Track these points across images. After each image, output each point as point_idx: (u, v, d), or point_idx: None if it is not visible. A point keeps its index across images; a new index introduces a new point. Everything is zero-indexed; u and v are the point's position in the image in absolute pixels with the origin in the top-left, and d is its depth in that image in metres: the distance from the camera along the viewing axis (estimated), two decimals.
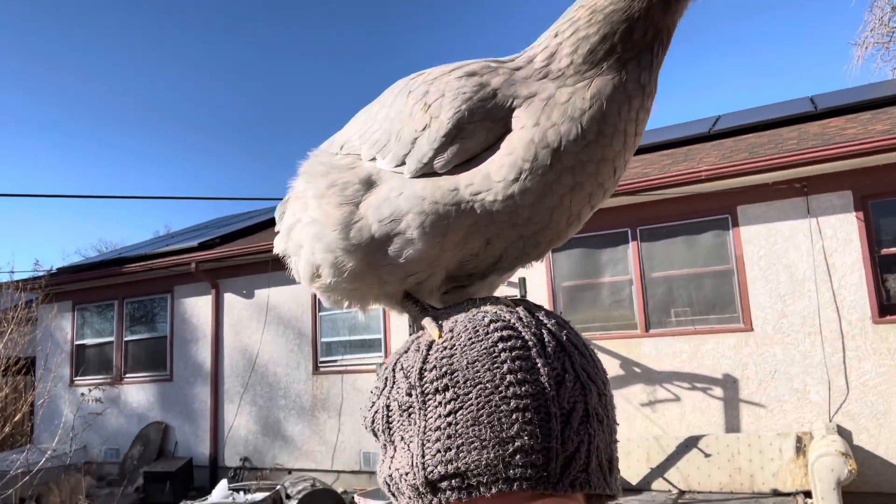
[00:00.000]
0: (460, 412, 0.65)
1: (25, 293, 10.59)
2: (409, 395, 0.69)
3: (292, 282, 0.95)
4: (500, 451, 0.62)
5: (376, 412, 0.73)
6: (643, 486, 6.63)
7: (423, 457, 0.65)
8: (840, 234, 6.53)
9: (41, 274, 11.04)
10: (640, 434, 7.03)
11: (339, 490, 7.55)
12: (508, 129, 0.75)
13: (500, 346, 0.67)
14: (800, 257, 6.68)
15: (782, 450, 6.16)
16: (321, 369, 9.00)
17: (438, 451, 0.65)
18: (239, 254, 9.17)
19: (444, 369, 0.67)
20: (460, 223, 0.77)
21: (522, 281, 7.17)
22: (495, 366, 0.65)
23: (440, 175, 0.77)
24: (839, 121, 7.76)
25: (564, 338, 0.69)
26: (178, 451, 9.72)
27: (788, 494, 5.96)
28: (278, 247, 0.96)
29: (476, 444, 0.63)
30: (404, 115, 0.81)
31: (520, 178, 0.75)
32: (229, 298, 9.78)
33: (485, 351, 0.67)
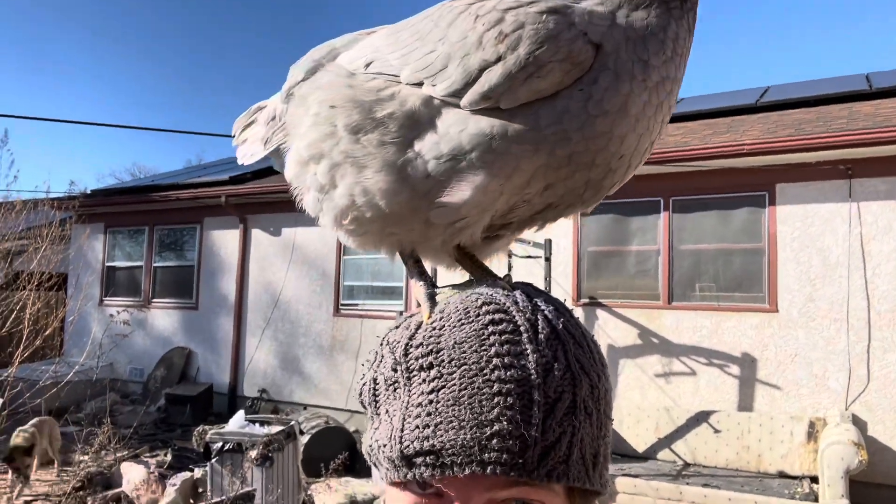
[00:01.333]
0: (442, 391, 0.64)
1: (60, 212, 10.83)
2: (395, 370, 0.68)
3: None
4: (478, 434, 0.61)
5: (364, 384, 0.73)
6: (649, 455, 6.70)
7: (401, 431, 0.65)
8: (881, 221, 6.34)
9: (76, 194, 11.27)
10: (651, 404, 7.07)
11: (352, 429, 7.77)
12: (587, 72, 0.73)
13: (490, 328, 0.65)
14: (835, 241, 6.51)
15: (794, 433, 6.15)
16: (342, 311, 9.14)
17: (417, 427, 0.64)
18: (269, 191, 9.23)
19: (430, 347, 0.66)
20: (530, 164, 0.73)
21: (548, 243, 7.13)
22: (482, 348, 0.64)
23: (504, 111, 0.72)
24: (894, 102, 7.43)
25: (560, 325, 0.68)
26: (199, 376, 10.05)
27: (795, 478, 5.98)
28: (289, 174, 0.87)
29: (454, 423, 0.62)
30: (470, 40, 0.75)
31: (622, 103, 0.73)
32: (256, 234, 9.91)
33: (473, 333, 0.65)
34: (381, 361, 0.72)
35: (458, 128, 0.73)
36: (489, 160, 0.72)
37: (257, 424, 5.14)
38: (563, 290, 7.72)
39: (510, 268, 7.46)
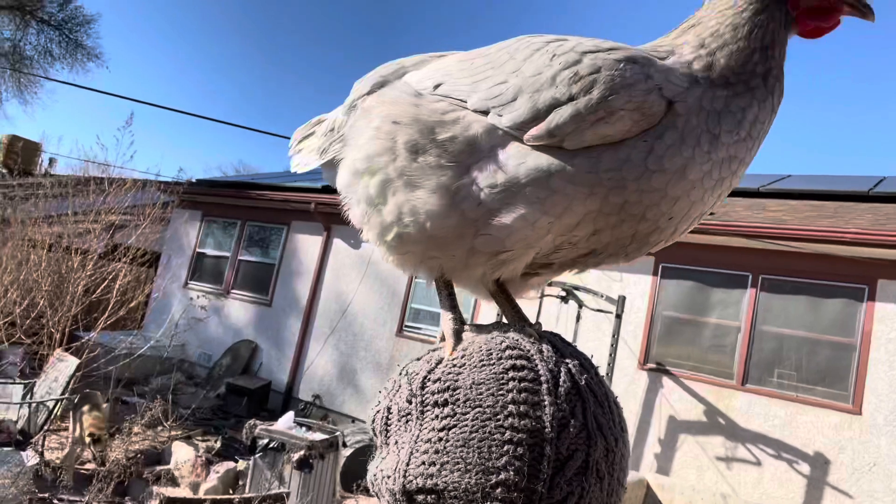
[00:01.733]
0: (453, 430, 0.63)
1: (164, 195, 11.54)
2: (409, 402, 0.68)
3: None
4: (483, 480, 0.60)
5: (377, 412, 0.73)
6: None
7: (407, 464, 0.64)
8: None
9: (181, 181, 11.99)
10: (707, 487, 6.68)
11: None
12: (654, 125, 0.73)
13: (511, 374, 0.64)
14: None
15: None
16: (405, 333, 9.21)
17: (423, 463, 0.63)
18: None
19: (447, 384, 0.66)
20: (583, 207, 0.73)
21: (622, 299, 6.94)
22: (500, 392, 0.63)
23: (566, 151, 0.72)
24: None
25: (583, 381, 0.66)
26: (261, 371, 10.35)
27: None
28: (341, 183, 0.88)
29: (461, 465, 0.61)
30: (544, 77, 0.75)
31: (681, 166, 0.73)
32: (337, 244, 10.19)
33: (493, 376, 0.65)
34: (397, 391, 0.72)
35: (517, 160, 0.73)
36: (543, 196, 0.72)
37: (304, 428, 5.22)
38: (631, 350, 7.47)
39: (579, 319, 7.30)
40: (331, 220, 10.13)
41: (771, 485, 6.50)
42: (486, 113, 0.77)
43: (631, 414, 7.33)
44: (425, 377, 0.69)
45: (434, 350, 0.74)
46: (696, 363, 7.26)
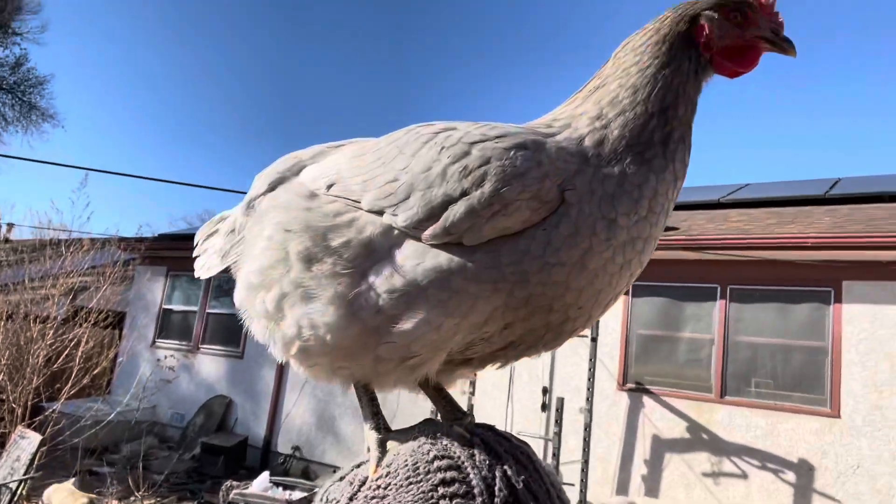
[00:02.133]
0: None
1: (126, 253, 11.30)
2: None
3: None
4: None
5: None
6: None
7: None
8: None
9: (143, 237, 11.77)
10: None
11: None
12: (554, 211, 0.70)
13: (441, 490, 0.59)
14: None
15: None
16: None
17: None
18: None
19: None
20: (488, 304, 0.70)
21: (595, 323, 6.92)
22: None
23: (466, 247, 0.70)
24: None
25: (521, 485, 0.61)
26: (236, 427, 10.07)
27: None
28: (238, 299, 0.85)
29: None
30: (435, 172, 0.73)
31: (579, 257, 0.70)
32: None
33: (422, 495, 0.59)
34: None
35: (415, 261, 0.70)
36: (444, 298, 0.69)
37: (281, 488, 5.05)
38: (609, 372, 7.44)
39: None
40: None
41: (759, 496, 6.46)
42: (380, 213, 0.74)
43: (615, 437, 7.27)
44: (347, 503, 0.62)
45: (358, 466, 0.68)
46: (675, 379, 7.25)
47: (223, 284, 11.22)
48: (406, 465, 0.63)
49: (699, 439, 6.86)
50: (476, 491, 0.59)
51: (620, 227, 0.71)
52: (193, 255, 1.00)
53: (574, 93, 0.80)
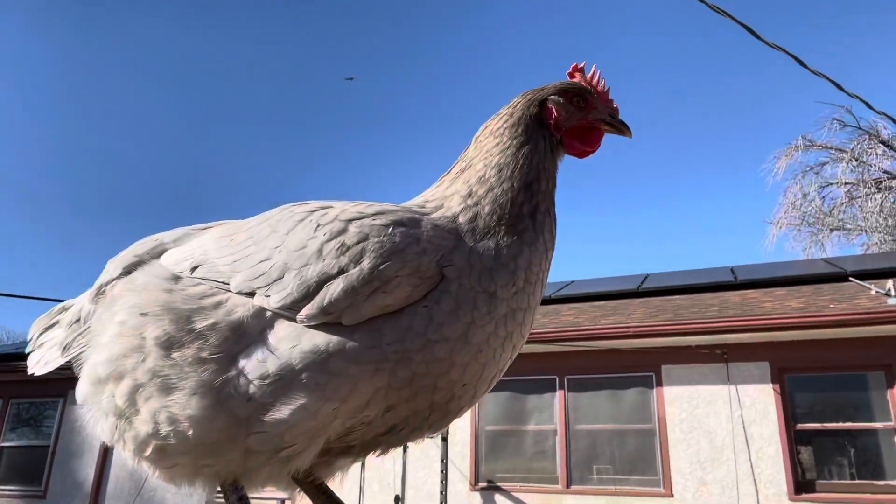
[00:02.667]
0: None
1: None
2: None
3: None
4: None
5: None
6: None
7: None
8: (758, 404, 6.65)
9: None
10: None
11: None
12: (434, 287, 0.70)
13: None
14: (719, 424, 6.72)
15: None
16: (217, 500, 8.20)
17: None
18: None
19: None
20: (369, 385, 0.67)
21: None
22: None
23: (345, 327, 0.67)
24: (757, 293, 8.18)
25: None
26: None
27: None
28: (81, 394, 0.76)
29: None
30: (310, 250, 0.71)
31: (462, 332, 0.69)
32: None
33: None
34: None
35: (290, 343, 0.67)
36: (322, 381, 0.66)
37: None
38: (461, 473, 7.36)
39: (405, 448, 7.09)
40: None
41: None
42: (251, 294, 0.71)
43: None
44: None
45: None
46: (524, 473, 7.34)
47: (22, 413, 9.74)
48: None
49: None
50: None
51: (500, 300, 0.73)
52: (27, 351, 0.88)
53: (441, 176, 0.85)
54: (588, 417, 7.30)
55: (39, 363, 0.86)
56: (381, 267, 0.69)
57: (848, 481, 6.30)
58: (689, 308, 7.76)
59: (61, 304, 0.92)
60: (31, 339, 0.92)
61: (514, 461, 7.43)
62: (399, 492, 7.40)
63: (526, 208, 0.78)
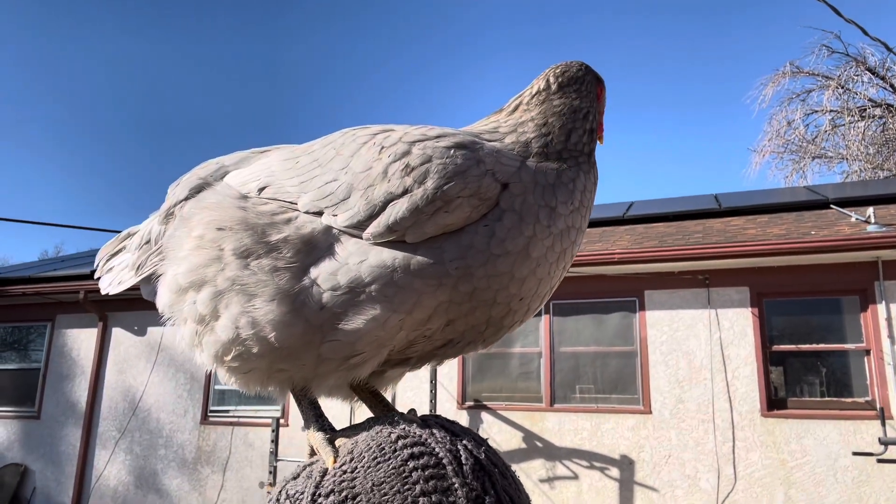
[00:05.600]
0: None
1: None
2: None
3: None
4: None
5: None
6: None
7: None
8: (736, 327, 6.89)
9: None
10: None
11: None
12: (493, 208, 0.73)
13: (411, 464, 0.60)
14: (698, 345, 6.97)
15: None
16: (210, 419, 8.44)
17: None
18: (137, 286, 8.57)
19: (343, 494, 0.58)
20: (433, 299, 0.70)
21: None
22: (406, 487, 0.58)
23: (409, 244, 0.70)
24: (740, 220, 8.33)
25: (483, 456, 0.64)
26: (35, 498, 8.75)
27: None
28: (162, 303, 0.80)
29: None
30: (375, 172, 0.73)
31: (523, 246, 0.73)
32: (117, 333, 9.10)
33: (393, 471, 0.59)
34: None
35: (358, 258, 0.70)
36: (390, 294, 0.69)
37: None
38: (448, 393, 7.62)
39: None
40: (106, 307, 9.05)
41: (589, 495, 6.97)
42: (319, 214, 0.74)
43: None
44: (315, 493, 0.60)
45: (308, 464, 0.65)
46: (509, 393, 7.62)
47: (7, 337, 9.79)
48: (370, 448, 0.62)
49: (534, 447, 7.26)
50: (445, 461, 0.60)
51: (559, 215, 0.76)
52: (95, 277, 0.91)
53: (511, 98, 0.87)
54: (572, 340, 7.53)
55: (112, 284, 0.89)
56: (445, 187, 0.71)
57: (817, 399, 6.64)
58: (673, 235, 7.89)
59: (126, 231, 0.95)
60: (97, 266, 0.95)
61: (500, 381, 7.69)
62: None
63: (587, 148, 0.84)
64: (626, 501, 6.84)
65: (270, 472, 6.41)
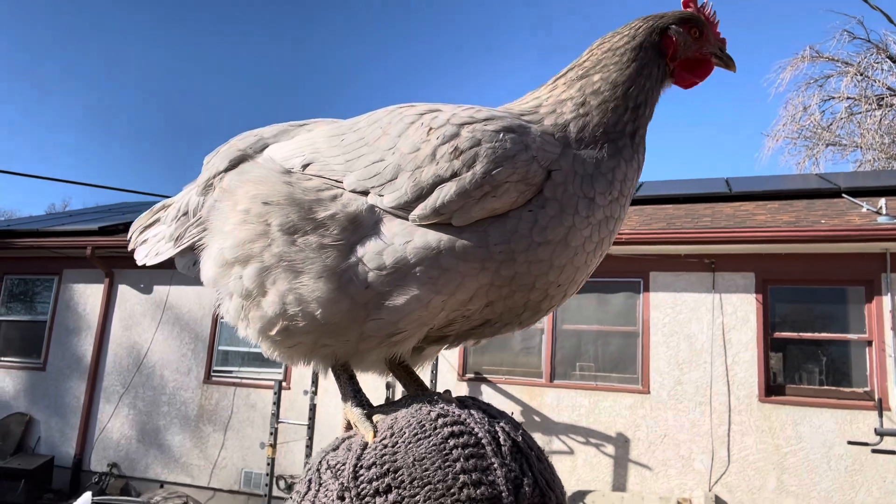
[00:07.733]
0: None
1: None
2: (342, 497, 0.60)
3: (198, 281, 0.81)
4: None
5: None
6: None
7: None
8: (739, 312, 6.91)
9: None
10: None
11: None
12: (537, 193, 0.74)
13: (451, 441, 0.61)
14: (700, 329, 7.00)
15: None
16: (213, 378, 8.55)
17: None
18: None
19: (385, 467, 0.60)
20: (475, 282, 0.71)
21: None
22: (447, 464, 0.59)
23: (454, 227, 0.71)
24: (750, 205, 8.28)
25: (520, 438, 0.65)
26: (39, 447, 8.93)
27: None
28: (207, 277, 0.79)
29: None
30: (424, 153, 0.73)
31: (563, 235, 0.74)
32: (123, 290, 9.17)
33: (434, 447, 0.60)
34: (319, 489, 0.63)
35: (404, 239, 0.71)
36: (434, 275, 0.70)
37: None
38: (450, 364, 7.69)
39: None
40: (112, 264, 9.10)
41: (584, 470, 7.08)
42: (364, 193, 0.74)
43: None
44: (356, 465, 0.62)
45: (347, 438, 0.67)
46: (509, 367, 7.69)
47: (14, 289, 9.87)
48: (410, 425, 0.63)
49: (532, 421, 7.34)
50: (484, 441, 0.61)
51: (598, 206, 0.77)
52: (129, 248, 0.91)
53: (554, 77, 0.85)
54: (575, 318, 7.56)
55: (150, 255, 0.90)
56: (493, 172, 0.71)
57: (815, 387, 6.68)
58: (681, 217, 7.86)
59: (161, 203, 0.95)
60: (130, 238, 0.95)
61: (501, 355, 7.75)
62: (390, 379, 7.73)
63: (629, 128, 0.81)
64: (619, 478, 6.94)
65: (271, 434, 6.51)
